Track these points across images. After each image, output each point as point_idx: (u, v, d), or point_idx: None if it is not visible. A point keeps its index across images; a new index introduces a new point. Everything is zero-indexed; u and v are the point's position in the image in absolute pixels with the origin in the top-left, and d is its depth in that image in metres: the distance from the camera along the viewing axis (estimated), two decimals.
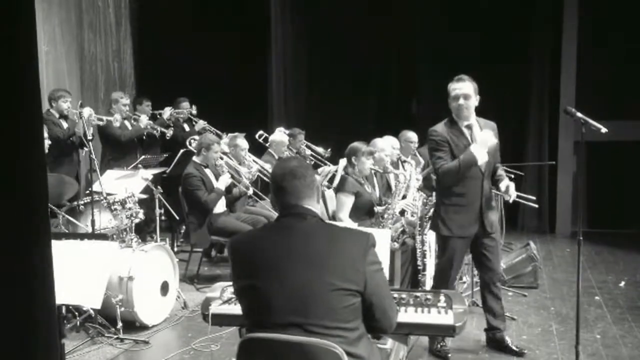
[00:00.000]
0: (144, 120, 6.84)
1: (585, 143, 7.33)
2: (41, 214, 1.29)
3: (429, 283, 5.09)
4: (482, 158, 3.88)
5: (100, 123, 6.37)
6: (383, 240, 2.98)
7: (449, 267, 4.08)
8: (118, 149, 6.64)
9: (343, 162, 5.29)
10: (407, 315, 2.70)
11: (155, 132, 7.04)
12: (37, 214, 1.28)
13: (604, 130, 3.66)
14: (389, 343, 2.84)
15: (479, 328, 4.46)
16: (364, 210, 4.98)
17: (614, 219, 8.09)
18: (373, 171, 5.29)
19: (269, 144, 7.22)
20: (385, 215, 4.93)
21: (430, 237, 5.12)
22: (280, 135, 7.21)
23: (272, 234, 2.34)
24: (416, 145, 6.84)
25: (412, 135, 6.77)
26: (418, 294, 2.87)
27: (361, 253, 2.21)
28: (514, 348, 4.12)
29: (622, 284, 5.86)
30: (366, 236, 2.28)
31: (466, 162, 3.86)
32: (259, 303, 2.21)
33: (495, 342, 4.18)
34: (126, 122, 6.71)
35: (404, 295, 2.85)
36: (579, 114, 3.71)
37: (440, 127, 4.07)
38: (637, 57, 7.69)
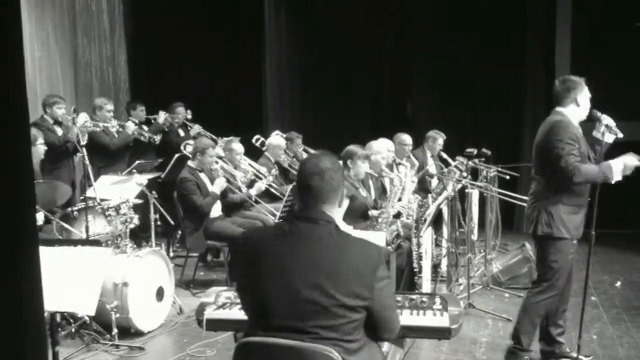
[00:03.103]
0: (131, 127, 6.82)
1: None
2: (29, 219, 1.28)
3: (425, 285, 5.09)
4: (616, 178, 3.68)
5: (97, 129, 6.34)
6: (379, 243, 2.97)
7: (563, 276, 3.82)
8: (107, 157, 6.59)
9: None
10: (402, 318, 2.68)
11: (142, 138, 7.02)
12: (25, 219, 1.26)
13: (620, 135, 3.71)
14: (385, 346, 2.83)
15: (476, 330, 4.46)
16: (358, 214, 4.98)
17: (610, 219, 8.07)
18: (368, 175, 5.28)
19: (265, 147, 7.21)
20: (380, 219, 4.93)
21: (426, 239, 5.12)
22: (277, 139, 7.20)
23: (283, 236, 2.25)
24: (410, 147, 6.86)
25: (407, 138, 6.78)
26: (414, 296, 2.87)
27: (371, 268, 2.15)
28: (583, 358, 3.95)
29: (618, 284, 5.86)
30: (378, 250, 2.22)
31: (604, 174, 3.64)
32: (261, 304, 2.17)
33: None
34: (112, 129, 6.64)
35: (399, 298, 2.84)
36: (604, 119, 3.70)
37: (564, 120, 3.71)
38: (633, 57, 7.71)
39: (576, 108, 3.76)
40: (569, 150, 3.57)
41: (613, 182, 3.65)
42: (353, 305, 2.11)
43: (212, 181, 5.91)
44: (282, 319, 2.12)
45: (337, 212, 2.30)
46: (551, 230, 3.73)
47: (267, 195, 6.62)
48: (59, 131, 6.09)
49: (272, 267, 2.17)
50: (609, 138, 3.76)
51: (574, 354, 3.95)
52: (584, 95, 3.77)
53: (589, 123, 3.88)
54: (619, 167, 3.62)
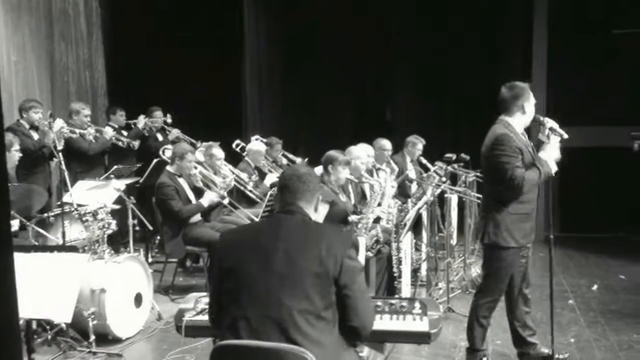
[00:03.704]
0: (109, 132, 6.76)
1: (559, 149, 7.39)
2: (3, 224, 1.26)
3: (405, 290, 5.10)
4: (555, 169, 3.80)
5: (73, 136, 6.26)
6: (359, 247, 2.98)
7: (505, 281, 3.89)
8: (85, 162, 6.52)
9: (318, 170, 5.28)
10: (382, 322, 2.70)
11: (120, 143, 6.95)
12: None
13: (565, 136, 3.75)
14: (365, 351, 2.84)
15: (455, 334, 4.48)
16: (338, 219, 4.97)
17: (587, 223, 8.20)
18: (348, 180, 5.29)
19: (245, 152, 7.19)
20: (360, 225, 4.93)
21: (406, 244, 5.14)
22: (257, 144, 7.18)
23: (263, 226, 2.66)
24: (390, 152, 6.88)
25: (386, 143, 6.81)
26: (393, 301, 2.88)
27: (342, 246, 2.35)
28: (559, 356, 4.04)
29: (595, 287, 5.93)
30: (349, 236, 2.52)
31: (546, 172, 3.74)
32: (239, 282, 2.32)
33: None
34: (89, 137, 6.57)
35: (379, 303, 2.85)
36: (547, 121, 3.78)
37: (508, 132, 3.76)
38: (611, 62, 7.83)
39: (522, 116, 3.82)
40: (514, 163, 3.66)
41: (554, 173, 3.78)
42: (323, 273, 2.27)
43: (190, 186, 5.87)
44: (262, 294, 2.26)
45: (312, 213, 2.53)
46: (497, 239, 3.78)
47: (246, 201, 6.60)
48: (35, 136, 6.01)
49: (253, 252, 2.36)
50: (554, 140, 3.81)
51: (548, 351, 4.02)
52: (530, 102, 3.83)
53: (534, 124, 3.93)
54: (551, 157, 3.76)
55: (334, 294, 2.29)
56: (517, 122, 3.82)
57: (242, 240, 2.47)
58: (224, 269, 2.41)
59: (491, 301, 3.94)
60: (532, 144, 3.93)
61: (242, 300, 2.28)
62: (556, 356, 4.01)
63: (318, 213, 2.57)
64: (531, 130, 4.01)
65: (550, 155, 3.78)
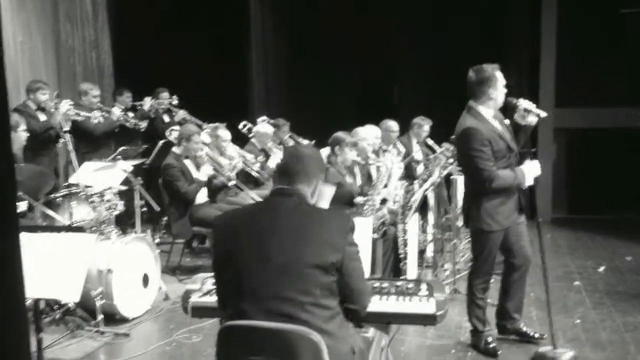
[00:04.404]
0: (117, 112, 6.74)
1: (565, 130, 7.45)
2: (9, 204, 1.26)
3: (411, 272, 5.11)
4: (528, 183, 3.80)
5: (78, 119, 6.25)
6: (365, 228, 2.97)
7: (492, 262, 3.96)
8: (91, 143, 6.51)
9: (325, 151, 5.27)
10: (388, 304, 2.70)
11: (128, 124, 6.95)
12: (4, 205, 1.24)
13: (543, 114, 3.74)
14: (370, 332, 2.84)
15: (461, 315, 4.49)
16: (344, 201, 4.97)
17: (594, 205, 8.17)
18: (354, 162, 5.27)
19: (252, 134, 7.16)
20: (366, 206, 4.92)
21: (412, 226, 5.14)
22: (264, 126, 7.13)
23: (257, 210, 2.50)
24: (397, 134, 6.86)
25: (393, 125, 6.78)
26: (399, 282, 2.87)
27: (342, 233, 2.30)
28: (534, 335, 4.09)
29: (601, 269, 5.92)
30: (347, 218, 2.38)
31: (518, 181, 3.74)
32: (241, 275, 2.26)
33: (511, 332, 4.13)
34: (97, 114, 6.56)
35: (385, 284, 2.84)
36: (521, 103, 3.77)
37: (477, 124, 3.73)
38: (615, 43, 7.75)
39: (489, 101, 3.79)
40: (482, 157, 3.66)
41: (524, 187, 3.80)
42: (324, 266, 2.22)
43: (197, 167, 5.87)
44: (262, 287, 2.21)
45: (310, 196, 2.45)
46: (480, 224, 3.83)
47: (253, 182, 6.60)
48: (42, 117, 6.01)
49: (250, 239, 2.29)
50: (532, 120, 3.80)
51: (527, 329, 4.10)
52: (496, 88, 3.77)
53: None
54: (530, 172, 3.76)
55: (336, 281, 2.26)
56: (485, 108, 3.80)
57: (238, 226, 2.37)
58: (221, 258, 2.37)
59: (482, 282, 4.01)
60: (508, 124, 3.91)
61: (243, 293, 2.23)
62: (531, 333, 4.09)
63: (320, 196, 2.50)
64: (507, 113, 4.00)
65: (531, 170, 3.78)
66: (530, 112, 3.78)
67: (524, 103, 3.80)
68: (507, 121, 3.94)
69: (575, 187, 8.24)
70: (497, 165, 3.72)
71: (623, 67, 7.75)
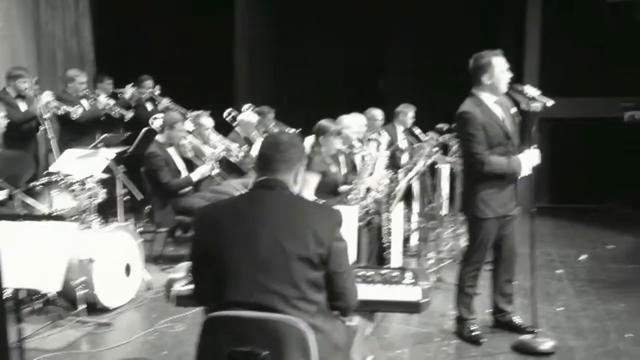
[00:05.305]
0: (103, 100, 6.64)
1: (548, 120, 7.44)
2: None
3: (395, 260, 5.11)
4: (525, 173, 3.80)
5: (59, 112, 6.13)
6: (350, 217, 2.96)
7: (484, 251, 3.96)
8: (75, 130, 6.42)
9: (310, 140, 5.24)
10: (373, 292, 2.70)
11: (113, 113, 6.85)
12: None
13: (550, 103, 3.71)
14: (355, 320, 2.83)
15: (445, 303, 4.50)
16: (328, 190, 4.96)
17: (576, 194, 8.24)
18: (339, 150, 5.25)
19: (236, 122, 7.09)
20: (351, 195, 4.91)
21: (396, 214, 5.13)
22: (249, 115, 7.06)
23: (241, 203, 2.42)
24: (381, 122, 6.85)
25: (377, 113, 6.77)
26: (384, 271, 2.87)
27: (329, 228, 2.26)
28: (526, 328, 4.06)
29: (583, 257, 5.98)
30: (335, 213, 2.34)
31: (513, 169, 3.75)
32: (223, 266, 2.22)
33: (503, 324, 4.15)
34: (84, 102, 6.47)
35: (370, 273, 2.84)
36: (527, 91, 3.74)
37: (473, 109, 3.76)
38: (599, 33, 7.78)
39: (488, 88, 3.81)
40: (474, 140, 3.69)
41: (520, 177, 3.81)
42: (310, 259, 2.19)
43: (181, 156, 5.81)
44: (247, 281, 2.18)
45: (291, 185, 2.40)
46: (474, 211, 3.84)
47: (236, 171, 6.56)
48: (22, 105, 5.91)
49: (235, 232, 2.25)
50: (537, 107, 3.77)
51: (519, 322, 4.10)
52: (496, 73, 3.78)
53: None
54: (527, 160, 3.76)
55: (323, 276, 2.23)
56: (487, 93, 3.81)
57: (222, 219, 2.31)
58: (202, 250, 2.33)
59: (474, 270, 4.01)
60: (514, 112, 3.91)
61: (229, 288, 2.19)
62: (523, 325, 4.07)
63: (305, 185, 2.50)
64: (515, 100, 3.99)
65: (528, 159, 3.78)
66: (535, 100, 3.74)
67: (529, 90, 3.77)
68: (514, 109, 3.93)
69: (557, 177, 8.29)
70: (494, 152, 3.73)
71: (606, 57, 7.80)
